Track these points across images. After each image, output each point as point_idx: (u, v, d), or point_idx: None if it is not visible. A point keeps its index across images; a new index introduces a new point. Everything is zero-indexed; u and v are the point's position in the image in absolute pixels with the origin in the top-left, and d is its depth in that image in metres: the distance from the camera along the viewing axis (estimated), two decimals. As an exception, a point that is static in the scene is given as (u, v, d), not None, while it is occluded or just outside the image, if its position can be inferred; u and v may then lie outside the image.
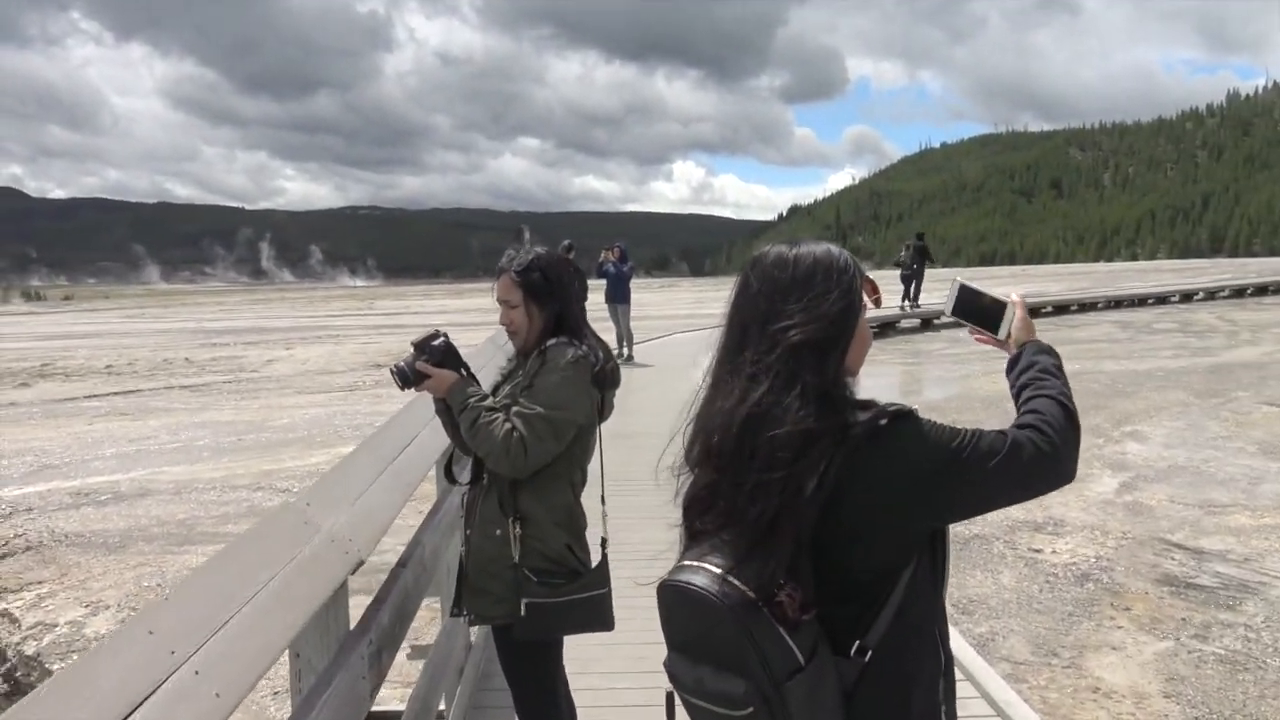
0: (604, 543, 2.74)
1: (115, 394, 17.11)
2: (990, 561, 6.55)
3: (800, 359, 1.46)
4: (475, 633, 3.88)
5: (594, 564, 2.70)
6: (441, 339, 2.60)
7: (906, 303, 24.05)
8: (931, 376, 15.40)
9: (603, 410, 2.74)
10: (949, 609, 5.51)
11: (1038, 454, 1.47)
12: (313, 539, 1.85)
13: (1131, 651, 5.09)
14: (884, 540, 1.47)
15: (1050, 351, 1.70)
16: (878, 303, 1.67)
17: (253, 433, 12.42)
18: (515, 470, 2.53)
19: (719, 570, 1.40)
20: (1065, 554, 6.66)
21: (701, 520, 1.52)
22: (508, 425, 2.51)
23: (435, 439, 2.88)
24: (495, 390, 2.70)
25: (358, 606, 2.22)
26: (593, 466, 2.77)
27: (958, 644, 4.64)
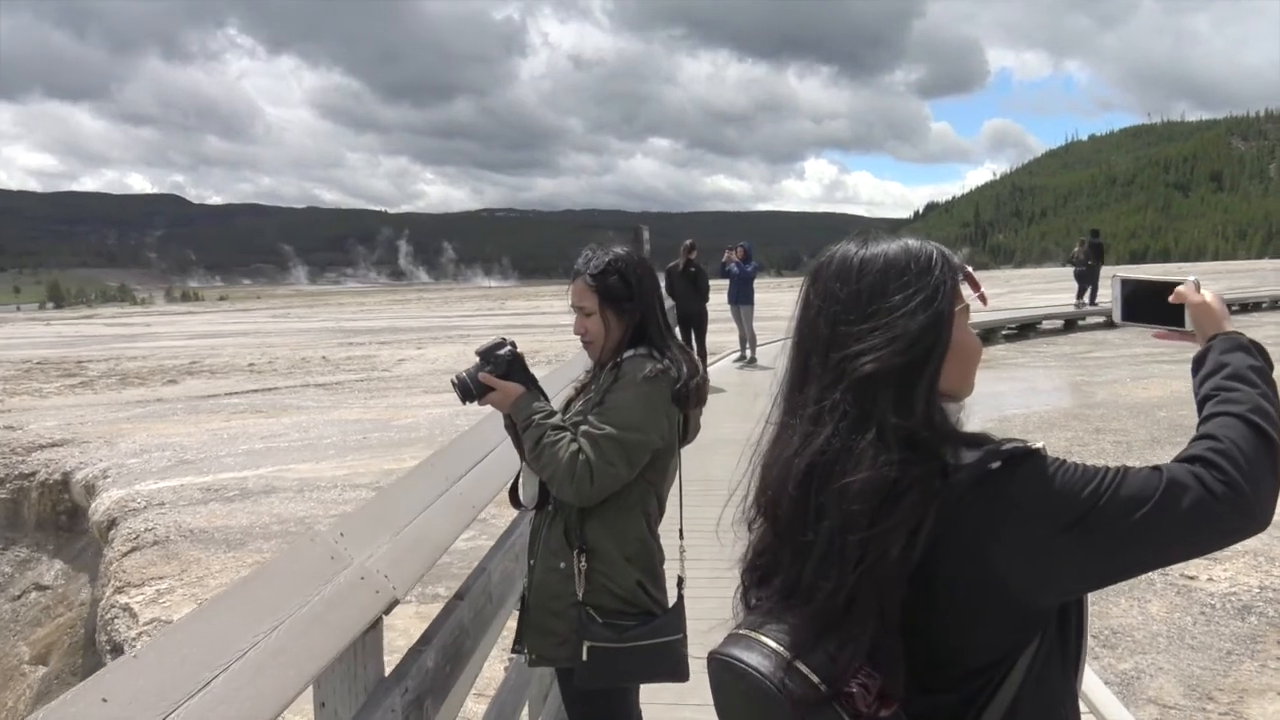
0: (680, 582, 2.47)
1: (254, 391, 17.75)
2: (1136, 587, 5.97)
3: (875, 393, 1.14)
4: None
5: (670, 605, 2.43)
6: (508, 348, 2.38)
7: (1083, 300, 23.54)
8: (1074, 381, 14.49)
9: (686, 432, 2.47)
10: (1089, 640, 5.02)
11: (1207, 498, 1.09)
12: (337, 577, 1.65)
13: (1302, 699, 4.51)
14: (993, 616, 1.14)
15: (1247, 348, 1.29)
16: (983, 299, 1.31)
17: (378, 431, 12.62)
18: (581, 497, 2.29)
19: (782, 651, 1.11)
20: (1224, 582, 6.02)
21: (757, 594, 1.23)
22: (574, 446, 2.27)
23: (510, 457, 2.67)
24: (567, 406, 2.47)
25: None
26: (672, 496, 2.51)
27: (1093, 683, 4.18)
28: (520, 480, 2.52)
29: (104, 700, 1.15)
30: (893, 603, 1.12)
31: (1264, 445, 1.14)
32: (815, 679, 1.09)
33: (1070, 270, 24.76)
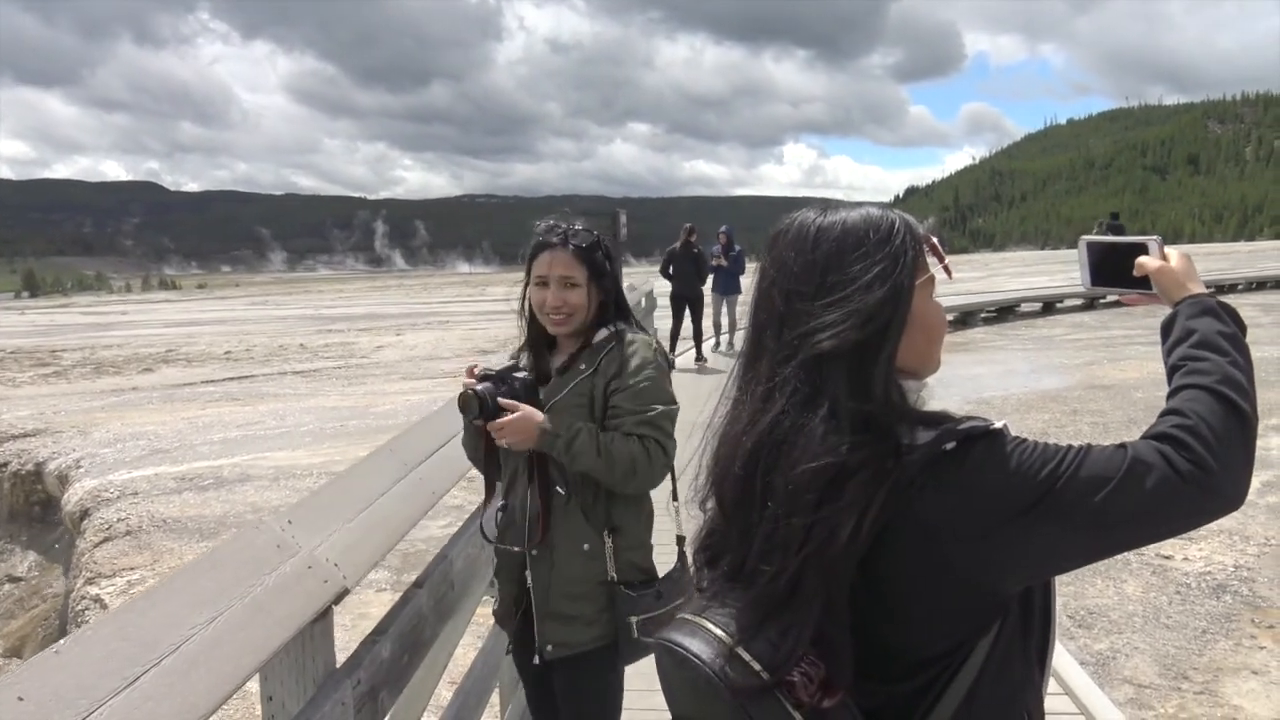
0: (681, 540, 2.45)
1: (230, 379, 17.61)
2: (1112, 567, 5.98)
3: (828, 370, 1.09)
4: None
5: (676, 565, 2.45)
6: (524, 372, 2.33)
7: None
8: (1051, 364, 14.55)
9: None
10: (1064, 621, 4.96)
11: (1172, 477, 1.02)
12: (282, 566, 1.59)
13: (1276, 677, 4.52)
14: (947, 603, 1.09)
15: (1215, 311, 1.19)
16: (947, 270, 1.23)
17: (355, 418, 12.52)
18: (656, 481, 2.31)
19: (725, 638, 1.07)
20: (1199, 561, 6.04)
21: (708, 575, 1.18)
22: (633, 441, 2.25)
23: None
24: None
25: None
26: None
27: (1067, 663, 4.16)
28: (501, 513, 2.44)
29: (20, 699, 1.09)
30: (839, 589, 1.07)
31: (1234, 419, 1.07)
32: (757, 666, 1.04)
33: (1047, 254, 24.88)
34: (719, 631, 1.08)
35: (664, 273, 14.17)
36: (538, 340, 2.44)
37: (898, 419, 1.10)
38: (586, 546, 2.33)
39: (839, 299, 1.10)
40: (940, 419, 1.11)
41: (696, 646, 1.07)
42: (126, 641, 1.26)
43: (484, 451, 2.38)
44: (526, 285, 2.39)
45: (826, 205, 1.21)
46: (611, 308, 2.40)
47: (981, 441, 1.07)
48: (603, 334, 2.36)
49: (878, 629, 1.10)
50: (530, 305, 2.40)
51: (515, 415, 2.24)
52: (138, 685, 1.21)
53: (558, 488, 2.35)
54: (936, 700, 1.11)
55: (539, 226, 2.41)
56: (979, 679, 1.10)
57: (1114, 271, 1.36)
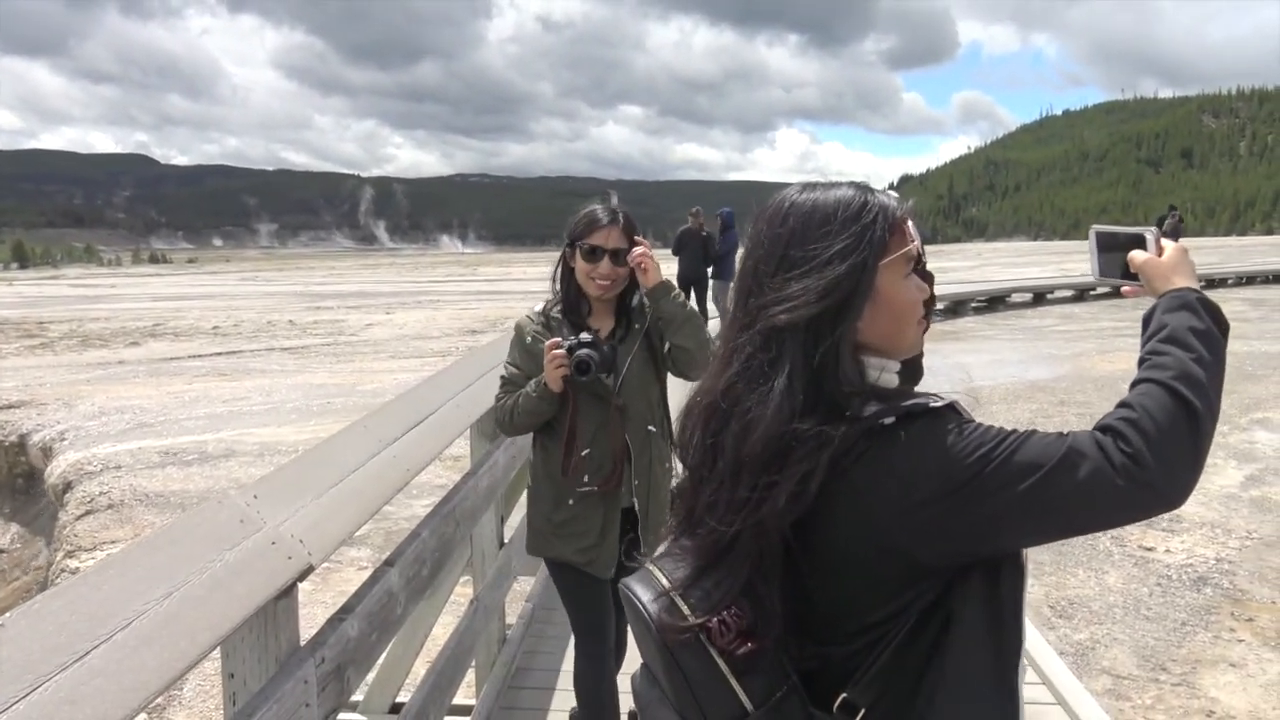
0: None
1: (218, 354, 17.50)
2: (1094, 558, 5.99)
3: (784, 341, 1.11)
4: (512, 627, 3.62)
5: None
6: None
7: None
8: (1040, 354, 14.55)
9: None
10: (1044, 610, 4.96)
11: (1105, 468, 1.01)
12: (245, 541, 1.56)
13: (1253, 670, 4.53)
14: (878, 571, 1.11)
15: (1192, 306, 1.16)
16: (920, 252, 1.21)
17: (341, 396, 12.46)
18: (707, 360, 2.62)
19: (666, 584, 1.14)
20: (1180, 553, 6.06)
21: (672, 522, 1.25)
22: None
23: (456, 415, 2.58)
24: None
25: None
26: None
27: (1044, 653, 4.16)
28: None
29: (-42, 674, 1.06)
30: (770, 547, 1.11)
31: (1183, 415, 1.05)
32: (686, 612, 1.11)
33: (1040, 245, 24.62)
34: (663, 579, 1.15)
35: (675, 253, 14.30)
36: (577, 302, 2.71)
37: (850, 393, 1.11)
38: (668, 465, 2.75)
39: (799, 273, 1.13)
40: (893, 395, 1.13)
41: (641, 591, 1.15)
42: (76, 616, 1.23)
43: (570, 409, 2.64)
44: (566, 257, 2.68)
45: (811, 184, 1.22)
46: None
47: (922, 419, 1.08)
48: (633, 300, 2.74)
49: (814, 591, 1.14)
50: (563, 273, 2.70)
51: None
52: (86, 661, 1.18)
53: (650, 426, 2.72)
54: (872, 665, 1.12)
55: (593, 207, 2.71)
56: (912, 651, 1.11)
57: (1119, 262, 1.34)
